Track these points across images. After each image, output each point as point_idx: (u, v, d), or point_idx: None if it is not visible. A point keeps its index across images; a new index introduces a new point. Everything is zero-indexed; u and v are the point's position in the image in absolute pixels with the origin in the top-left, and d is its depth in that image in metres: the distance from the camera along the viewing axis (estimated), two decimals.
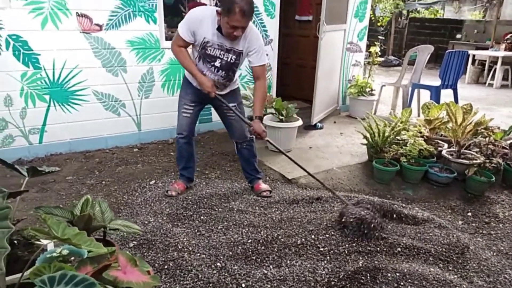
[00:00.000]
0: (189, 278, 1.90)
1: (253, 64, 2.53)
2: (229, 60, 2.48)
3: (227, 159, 3.58)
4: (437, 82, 5.20)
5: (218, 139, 4.05)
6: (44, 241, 1.57)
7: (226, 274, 1.95)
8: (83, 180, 3.06)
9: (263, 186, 2.95)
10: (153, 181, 3.05)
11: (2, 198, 1.00)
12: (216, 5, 5.53)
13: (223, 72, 2.52)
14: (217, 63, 2.48)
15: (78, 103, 3.52)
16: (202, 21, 2.38)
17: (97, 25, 3.42)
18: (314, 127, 4.53)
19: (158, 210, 2.58)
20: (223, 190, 2.94)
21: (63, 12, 3.26)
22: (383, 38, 9.27)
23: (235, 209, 2.64)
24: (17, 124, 3.34)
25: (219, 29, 2.36)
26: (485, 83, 8.37)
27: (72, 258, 1.38)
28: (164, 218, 2.48)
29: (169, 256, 2.07)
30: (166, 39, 3.83)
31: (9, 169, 1.34)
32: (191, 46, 2.54)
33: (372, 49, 5.12)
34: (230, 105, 2.67)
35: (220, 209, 2.63)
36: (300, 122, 3.81)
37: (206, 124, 4.21)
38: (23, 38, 3.18)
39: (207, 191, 2.89)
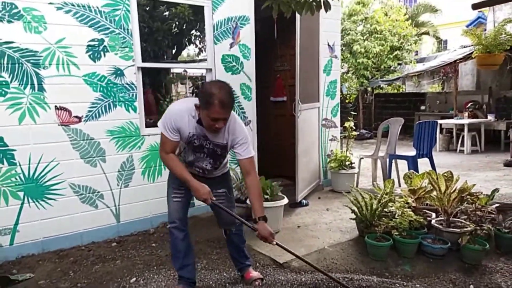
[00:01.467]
0: None
1: (240, 157, 2.41)
2: (214, 150, 2.43)
3: (212, 246, 3.40)
4: (410, 151, 5.36)
5: (202, 225, 3.88)
6: None
7: None
8: (56, 283, 2.78)
9: (254, 274, 2.75)
10: (134, 279, 2.81)
11: None
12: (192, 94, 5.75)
13: (211, 159, 2.47)
14: (205, 150, 2.43)
15: (54, 197, 3.35)
16: (183, 117, 2.30)
17: (76, 117, 3.41)
18: (300, 204, 4.46)
19: None
20: (211, 282, 2.73)
21: (41, 106, 3.26)
22: (355, 113, 9.74)
23: None
24: None
25: (199, 121, 2.30)
26: (455, 149, 8.71)
27: None
28: None
29: None
30: (146, 126, 3.85)
31: None
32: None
33: (346, 124, 5.31)
34: (220, 191, 2.58)
35: None
36: (285, 200, 3.74)
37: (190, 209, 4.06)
38: None
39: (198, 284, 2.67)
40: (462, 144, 8.51)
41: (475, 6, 5.28)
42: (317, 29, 4.86)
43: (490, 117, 8.90)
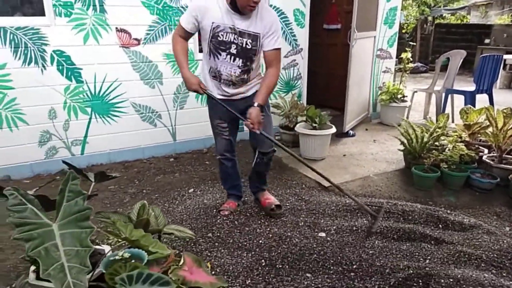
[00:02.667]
0: (237, 284, 1.91)
1: (268, 48, 2.23)
2: (244, 45, 2.20)
3: None
4: (468, 87, 5.09)
5: (251, 149, 4.06)
6: (103, 246, 1.63)
7: (273, 275, 1.95)
8: (124, 189, 3.14)
9: (271, 199, 2.69)
10: (192, 190, 3.10)
11: (82, 200, 1.05)
12: None
13: (240, 60, 2.25)
14: (233, 50, 2.20)
15: (118, 115, 3.64)
16: (207, 6, 2.16)
17: (136, 39, 3.54)
18: (346, 134, 4.51)
19: (198, 217, 2.62)
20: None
21: (103, 27, 3.40)
22: (414, 44, 9.16)
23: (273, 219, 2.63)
24: (60, 136, 3.47)
25: (232, 2, 2.12)
26: None
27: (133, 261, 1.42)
28: (205, 226, 2.51)
29: (215, 263, 2.09)
30: (199, 51, 3.92)
31: (80, 175, 1.40)
32: (202, 42, 2.33)
33: (403, 55, 5.08)
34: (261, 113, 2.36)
35: (258, 219, 2.62)
36: (333, 129, 3.80)
37: (238, 133, 4.25)
38: (67, 53, 3.32)
39: (245, 199, 2.91)
40: None
41: None
42: None
43: None
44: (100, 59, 3.45)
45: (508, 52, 9.25)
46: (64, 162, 1.49)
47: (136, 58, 3.59)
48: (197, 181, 3.27)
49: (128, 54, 3.55)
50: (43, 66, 3.26)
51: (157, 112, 3.82)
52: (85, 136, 3.57)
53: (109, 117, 3.61)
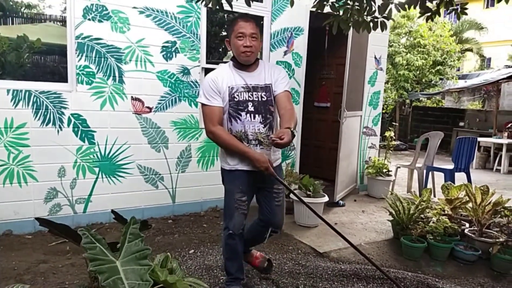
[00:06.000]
0: None
1: (279, 91, 2.35)
2: (260, 99, 2.31)
3: None
4: (447, 165, 5.52)
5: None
6: None
7: None
8: None
9: (258, 255, 2.77)
10: (192, 251, 3.21)
11: (141, 242, 1.23)
12: None
13: (260, 116, 2.31)
14: (251, 107, 2.29)
15: (123, 175, 3.82)
16: (217, 77, 2.30)
17: (148, 107, 3.86)
18: (337, 204, 4.74)
19: (201, 278, 2.71)
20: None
21: (120, 96, 3.73)
22: (396, 124, 9.86)
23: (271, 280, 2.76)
24: (66, 194, 3.60)
25: (233, 59, 2.36)
26: (492, 168, 8.69)
27: None
28: (209, 286, 2.60)
29: None
30: None
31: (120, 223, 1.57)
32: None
33: (387, 133, 5.54)
34: (280, 187, 2.45)
35: (259, 279, 2.74)
36: (326, 198, 4.04)
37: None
38: (83, 116, 3.60)
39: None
40: (499, 164, 8.48)
41: None
42: (366, 42, 5.13)
43: None
44: (113, 124, 3.72)
45: (481, 135, 10.01)
46: (113, 211, 1.68)
47: (146, 124, 3.88)
48: (197, 243, 3.38)
49: (139, 120, 3.84)
50: (60, 127, 3.51)
51: (160, 174, 4.02)
52: (90, 195, 3.71)
53: (114, 177, 3.79)
